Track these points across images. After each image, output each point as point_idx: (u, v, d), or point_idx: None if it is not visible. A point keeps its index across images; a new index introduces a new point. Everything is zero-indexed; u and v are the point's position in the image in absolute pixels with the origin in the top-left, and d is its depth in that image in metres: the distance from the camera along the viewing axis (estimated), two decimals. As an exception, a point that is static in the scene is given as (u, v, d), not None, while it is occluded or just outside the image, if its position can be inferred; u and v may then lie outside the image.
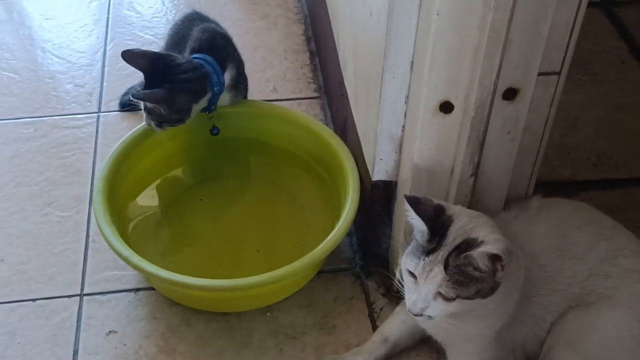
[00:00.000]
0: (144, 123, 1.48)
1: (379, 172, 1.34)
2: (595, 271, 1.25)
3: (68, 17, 2.11)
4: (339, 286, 1.47)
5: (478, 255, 1.07)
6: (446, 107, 1.16)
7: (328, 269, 1.49)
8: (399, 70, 1.19)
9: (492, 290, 1.11)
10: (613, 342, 1.21)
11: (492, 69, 1.10)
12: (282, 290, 1.41)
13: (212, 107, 1.50)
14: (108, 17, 2.10)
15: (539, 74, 1.15)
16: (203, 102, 1.48)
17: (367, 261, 1.49)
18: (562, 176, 1.72)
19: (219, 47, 1.51)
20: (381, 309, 1.43)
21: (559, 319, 1.25)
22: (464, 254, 1.09)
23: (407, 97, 1.23)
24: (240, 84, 1.56)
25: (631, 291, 1.24)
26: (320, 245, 1.34)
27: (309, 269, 1.37)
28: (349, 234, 1.54)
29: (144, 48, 1.95)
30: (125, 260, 1.31)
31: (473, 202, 1.29)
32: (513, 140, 1.23)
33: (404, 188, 1.31)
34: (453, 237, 1.11)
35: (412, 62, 1.18)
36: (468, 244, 1.10)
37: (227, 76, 1.51)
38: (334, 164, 1.52)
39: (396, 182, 1.35)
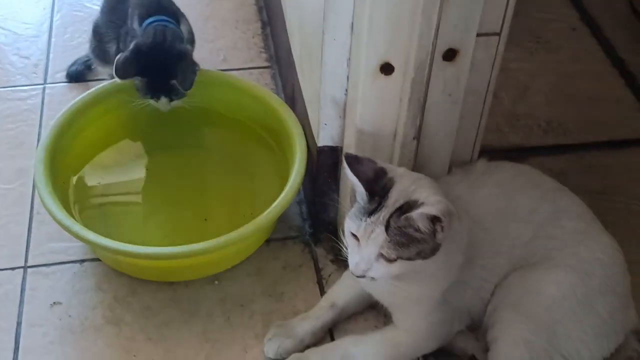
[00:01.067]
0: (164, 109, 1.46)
1: (324, 138, 1.34)
2: (539, 233, 1.26)
3: (14, -13, 2.06)
4: (288, 254, 1.46)
5: (417, 216, 1.07)
6: (387, 69, 1.16)
7: (277, 238, 1.48)
8: (339, 33, 1.18)
9: (433, 251, 1.12)
10: (556, 302, 1.22)
11: (430, 29, 1.10)
12: (230, 258, 1.40)
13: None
14: (55, -13, 2.05)
15: (479, 34, 1.15)
16: None
17: (316, 229, 1.49)
18: (511, 142, 1.73)
19: (165, 6, 1.50)
20: (329, 276, 1.43)
21: (503, 281, 1.26)
22: (405, 215, 1.09)
23: (349, 59, 1.22)
24: (193, 37, 1.56)
25: (574, 252, 1.25)
26: (267, 212, 1.33)
27: (255, 235, 1.36)
28: (298, 202, 1.54)
29: (90, 19, 1.92)
30: (67, 229, 1.29)
31: (417, 166, 1.29)
32: (455, 102, 1.23)
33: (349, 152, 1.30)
34: (395, 198, 1.11)
35: (352, 23, 1.17)
36: (409, 206, 1.10)
37: (184, 29, 1.50)
38: (282, 132, 1.51)
39: (341, 148, 1.35)
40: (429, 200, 1.10)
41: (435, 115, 1.23)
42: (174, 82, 1.40)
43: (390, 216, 1.10)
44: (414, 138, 1.24)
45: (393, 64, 1.15)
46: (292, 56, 1.54)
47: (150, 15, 1.46)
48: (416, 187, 1.13)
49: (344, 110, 1.29)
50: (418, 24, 1.09)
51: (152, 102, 1.44)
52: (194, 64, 1.45)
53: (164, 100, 1.43)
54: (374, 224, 1.10)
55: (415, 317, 1.26)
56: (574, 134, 1.75)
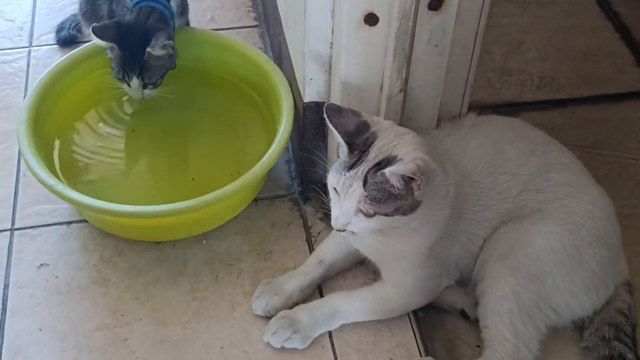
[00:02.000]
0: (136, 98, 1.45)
1: (310, 93, 1.32)
2: (528, 186, 1.25)
3: (-3, -50, 2.02)
4: (276, 212, 1.45)
5: (390, 174, 1.06)
6: (371, 19, 1.13)
7: (266, 197, 1.47)
8: (322, -18, 1.16)
9: (413, 208, 1.10)
10: (545, 254, 1.21)
11: (413, -24, 1.07)
12: (217, 217, 1.39)
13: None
14: (39, -52, 2.01)
15: (465, -18, 1.13)
16: None
17: (304, 187, 1.47)
18: (503, 98, 1.71)
19: None
20: (319, 234, 1.41)
21: (492, 234, 1.25)
22: (380, 171, 1.07)
23: (333, 12, 1.19)
24: (185, 9, 1.53)
25: (563, 204, 1.24)
26: (253, 169, 1.32)
27: (242, 192, 1.35)
28: (287, 161, 1.52)
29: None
30: (51, 189, 1.28)
31: (404, 119, 1.27)
32: (441, 53, 1.20)
33: (335, 108, 1.28)
34: (375, 153, 1.09)
35: (335, -27, 1.14)
36: (388, 161, 1.08)
37: (174, 5, 1.48)
38: (268, 90, 1.48)
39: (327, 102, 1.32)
40: (407, 157, 1.08)
41: (421, 67, 1.21)
42: (148, 50, 1.37)
43: (368, 171, 1.08)
44: (400, 90, 1.22)
45: (377, 14, 1.13)
46: (278, 12, 1.52)
47: None
48: (398, 142, 1.11)
49: (329, 64, 1.27)
50: (401, -29, 1.06)
51: (125, 87, 1.43)
52: (170, 42, 1.42)
53: (135, 82, 1.40)
54: (352, 179, 1.09)
55: (402, 273, 1.26)
56: (567, 89, 1.73)
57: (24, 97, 1.63)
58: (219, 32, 1.76)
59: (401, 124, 1.26)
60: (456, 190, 1.21)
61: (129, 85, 1.41)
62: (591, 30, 1.88)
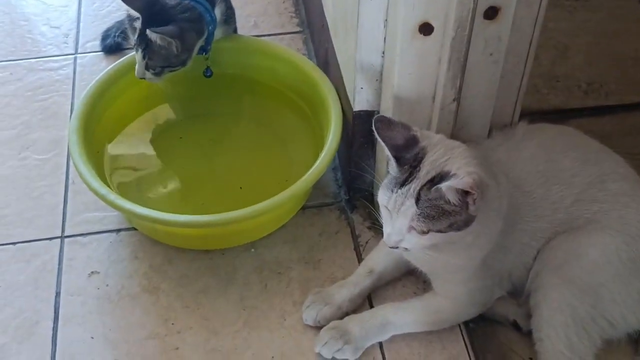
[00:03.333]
0: (137, 73, 1.43)
1: (360, 102, 1.31)
2: (582, 196, 1.23)
3: (42, -43, 2.04)
4: (324, 221, 1.44)
5: (446, 189, 1.04)
6: (426, 29, 1.12)
7: (313, 205, 1.46)
8: (376, -7, 1.15)
9: (467, 223, 1.08)
10: (600, 266, 1.19)
11: (471, -14, 1.06)
12: (266, 226, 1.39)
13: (208, 47, 1.48)
14: (83, -44, 2.03)
15: (522, -9, 1.11)
16: (201, 42, 1.45)
17: (352, 195, 1.47)
18: (552, 105, 1.69)
19: None
20: (367, 242, 1.41)
21: (546, 245, 1.24)
22: (434, 187, 1.05)
23: (386, 20, 1.18)
24: (230, 18, 1.52)
25: (619, 215, 1.22)
26: (303, 178, 1.31)
27: (291, 202, 1.34)
28: (333, 169, 1.51)
29: (120, -13, 1.90)
30: (102, 198, 1.28)
31: (456, 128, 1.26)
32: (496, 62, 1.19)
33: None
34: (427, 169, 1.08)
35: (390, -18, 1.13)
36: (441, 177, 1.06)
37: (218, 12, 1.47)
38: (316, 98, 1.48)
39: (378, 112, 1.32)
40: (461, 172, 1.06)
41: (475, 76, 1.19)
42: (147, 31, 1.36)
43: (421, 188, 1.07)
44: (453, 100, 1.20)
45: (432, 23, 1.11)
46: (325, 20, 1.51)
47: None
48: (450, 156, 1.09)
49: (381, 73, 1.26)
50: (458, -19, 1.05)
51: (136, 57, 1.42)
52: (172, 40, 1.39)
53: (139, 55, 1.40)
54: (404, 196, 1.07)
55: (454, 284, 1.24)
56: (617, 95, 1.70)
57: (71, 104, 1.66)
58: (263, 38, 1.77)
59: (453, 133, 1.25)
60: (509, 201, 1.19)
61: (136, 51, 1.42)
62: (638, 34, 1.85)
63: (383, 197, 1.11)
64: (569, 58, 1.79)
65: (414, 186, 1.07)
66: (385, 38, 1.21)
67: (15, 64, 1.75)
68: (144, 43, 1.39)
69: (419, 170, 1.08)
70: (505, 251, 1.23)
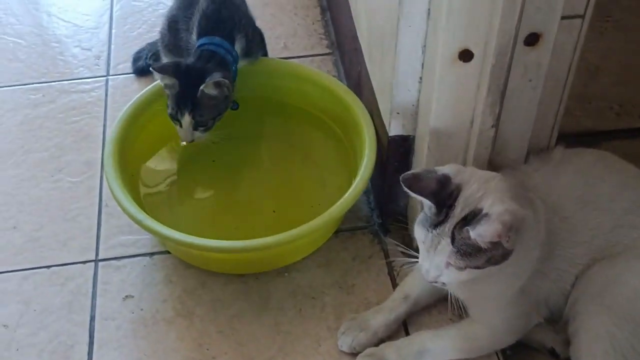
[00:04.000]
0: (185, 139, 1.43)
1: (396, 127, 1.31)
2: (621, 222, 1.22)
3: (72, -21, 2.06)
4: (357, 245, 1.44)
5: (474, 235, 1.04)
6: (465, 55, 1.12)
7: (346, 228, 1.46)
8: (415, 18, 1.15)
9: (504, 257, 1.08)
10: (640, 294, 1.18)
11: (513, 13, 1.05)
12: (300, 250, 1.38)
13: (233, 82, 1.48)
14: (113, -22, 2.05)
15: (562, 17, 1.10)
16: None
17: (385, 219, 1.46)
18: (583, 126, 1.67)
19: (224, 20, 1.47)
20: (401, 267, 1.40)
21: (584, 271, 1.22)
22: (465, 228, 1.05)
23: (424, 46, 1.18)
24: (251, 50, 1.52)
25: (659, 242, 1.20)
26: (338, 203, 1.31)
27: (326, 227, 1.34)
28: (365, 192, 1.51)
29: (150, 9, 1.93)
30: (139, 223, 1.28)
31: (493, 154, 1.25)
32: (535, 88, 1.18)
33: (422, 142, 1.27)
34: (461, 207, 1.08)
35: (429, 9, 1.13)
36: (474, 215, 1.06)
37: (238, 48, 1.47)
38: (348, 120, 1.48)
39: (414, 137, 1.31)
40: (493, 212, 1.05)
41: (514, 102, 1.19)
42: (202, 88, 1.36)
43: (455, 227, 1.07)
44: (492, 126, 1.20)
45: (472, 50, 1.11)
46: (358, 42, 1.51)
47: (207, 30, 1.44)
48: (484, 192, 1.09)
49: (418, 99, 1.26)
50: (500, 8, 1.05)
51: (177, 127, 1.41)
52: (225, 81, 1.39)
53: (187, 119, 1.38)
54: (439, 236, 1.08)
55: (491, 311, 1.23)
56: (649, 117, 1.69)
57: (103, 126, 1.66)
58: (293, 60, 1.77)
59: (490, 158, 1.25)
60: (546, 227, 1.18)
61: (181, 125, 1.40)
62: (671, 55, 1.84)
63: (419, 234, 1.12)
64: (600, 79, 1.78)
65: (449, 225, 1.08)
66: (423, 64, 1.20)
67: (47, 86, 1.76)
68: (190, 105, 1.38)
69: (453, 209, 1.08)
70: (543, 277, 1.22)
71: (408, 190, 1.10)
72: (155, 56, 1.74)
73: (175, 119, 1.40)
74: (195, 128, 1.41)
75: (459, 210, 1.07)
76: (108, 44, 1.87)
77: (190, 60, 1.42)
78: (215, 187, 1.52)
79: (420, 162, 1.29)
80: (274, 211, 1.46)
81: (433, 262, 1.10)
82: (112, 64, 1.81)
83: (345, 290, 1.37)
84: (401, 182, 1.10)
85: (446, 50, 1.11)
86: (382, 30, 1.28)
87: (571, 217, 1.22)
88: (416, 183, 1.10)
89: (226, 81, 1.38)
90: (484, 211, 1.06)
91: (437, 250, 1.09)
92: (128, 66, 1.79)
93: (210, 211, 1.48)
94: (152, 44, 1.76)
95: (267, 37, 1.80)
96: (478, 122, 1.19)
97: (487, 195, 1.08)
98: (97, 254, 1.43)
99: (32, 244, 1.45)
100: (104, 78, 1.78)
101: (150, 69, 1.42)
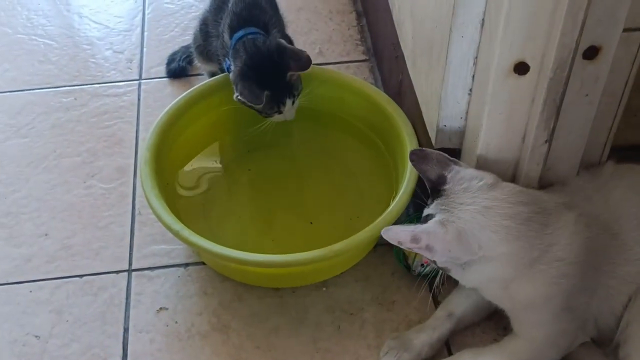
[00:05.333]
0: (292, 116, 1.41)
1: (442, 140, 1.26)
2: (678, 241, 1.17)
3: (104, -20, 2.03)
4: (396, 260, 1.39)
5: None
6: (521, 68, 1.07)
7: (384, 242, 1.41)
8: (468, 29, 1.11)
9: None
10: (699, 319, 1.13)
11: (575, 25, 1.01)
12: (339, 265, 1.34)
13: None
14: (145, -20, 2.02)
15: (623, 30, 1.06)
16: None
17: (426, 233, 1.41)
18: (629, 141, 1.60)
19: (256, 15, 1.43)
20: (442, 284, 1.35)
21: (637, 293, 1.17)
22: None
23: (476, 58, 1.14)
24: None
25: None
26: (380, 218, 1.27)
27: (368, 242, 1.30)
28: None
29: (182, 11, 1.90)
30: (176, 234, 1.25)
31: (545, 169, 1.21)
32: (591, 102, 1.14)
33: (469, 155, 1.23)
34: (433, 207, 1.13)
35: (483, 19, 1.09)
36: (426, 219, 1.12)
37: None
38: (389, 131, 1.44)
39: (459, 150, 1.27)
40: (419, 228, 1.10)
41: (569, 117, 1.14)
42: (290, 74, 1.33)
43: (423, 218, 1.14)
44: (545, 141, 1.15)
45: (529, 63, 1.07)
46: (399, 50, 1.47)
47: (240, 27, 1.40)
48: (447, 209, 1.11)
49: (466, 111, 1.21)
50: (562, 20, 1.00)
51: (277, 117, 1.38)
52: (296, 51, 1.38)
53: (289, 103, 1.36)
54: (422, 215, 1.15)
55: (533, 325, 1.19)
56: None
57: (136, 131, 1.63)
58: (328, 66, 1.73)
59: (541, 175, 1.20)
60: (591, 242, 1.14)
61: (282, 112, 1.37)
62: None
63: None
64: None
65: (425, 212, 1.15)
66: (473, 76, 1.16)
67: (79, 89, 1.73)
68: (286, 92, 1.35)
69: (432, 204, 1.14)
70: (590, 294, 1.17)
71: (412, 164, 1.18)
72: (190, 58, 1.71)
73: (276, 112, 1.37)
74: (293, 102, 1.38)
75: (430, 208, 1.13)
76: (140, 47, 1.83)
77: (244, 57, 1.36)
78: (251, 196, 1.48)
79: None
80: (311, 222, 1.42)
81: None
82: (144, 67, 1.78)
83: (385, 306, 1.33)
84: (409, 155, 1.18)
85: (501, 63, 1.07)
86: (430, 39, 1.23)
87: (623, 234, 1.18)
88: (421, 162, 1.16)
89: (299, 50, 1.36)
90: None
91: None
92: (161, 69, 1.76)
93: (245, 221, 1.44)
94: (187, 47, 1.72)
95: (301, 43, 1.77)
96: (531, 137, 1.15)
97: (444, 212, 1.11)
98: (130, 264, 1.40)
99: (65, 252, 1.42)
100: (137, 82, 1.75)
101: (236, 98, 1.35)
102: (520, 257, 1.11)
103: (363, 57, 1.80)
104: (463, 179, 1.13)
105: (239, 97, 1.35)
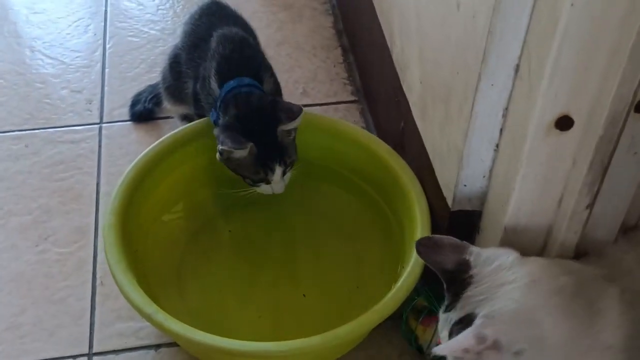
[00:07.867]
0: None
1: (460, 201, 1.09)
2: None
3: (59, 11, 1.82)
4: (403, 338, 1.20)
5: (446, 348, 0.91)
6: (564, 123, 0.91)
7: (390, 317, 1.23)
8: (499, 78, 0.94)
9: None
10: None
11: (634, 76, 0.85)
12: (341, 348, 1.15)
13: None
14: (106, 10, 1.81)
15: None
16: None
17: (437, 305, 1.23)
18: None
19: (248, 59, 1.27)
20: (458, 365, 1.17)
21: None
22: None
23: (506, 109, 0.97)
24: (278, 91, 1.31)
25: None
26: (391, 294, 1.08)
27: (376, 324, 1.11)
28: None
29: (148, 45, 1.72)
30: (149, 319, 1.04)
31: (581, 236, 1.04)
32: (639, 162, 0.97)
33: (493, 219, 1.06)
34: (463, 303, 0.93)
35: (518, 65, 0.92)
36: (469, 320, 0.91)
37: (267, 89, 1.25)
38: (392, 187, 1.26)
39: (480, 212, 1.10)
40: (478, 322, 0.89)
41: (615, 178, 0.97)
42: (281, 128, 1.16)
43: (455, 324, 0.93)
44: (587, 207, 0.98)
45: (573, 117, 0.90)
46: (401, 93, 1.30)
47: (230, 74, 1.23)
48: (488, 296, 0.92)
49: (491, 170, 1.04)
50: (621, 69, 0.84)
51: (264, 187, 1.21)
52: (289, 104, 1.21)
53: (278, 172, 1.18)
54: (444, 322, 0.96)
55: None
56: None
57: (97, 184, 1.43)
58: (314, 108, 1.56)
59: (578, 240, 1.04)
60: (635, 327, 0.97)
61: (269, 182, 1.20)
62: None
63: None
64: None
65: (452, 317, 0.94)
66: (501, 129, 0.99)
67: (31, 134, 1.52)
68: (276, 154, 1.18)
69: (459, 301, 0.94)
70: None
71: (420, 257, 0.97)
72: (157, 99, 1.52)
73: (262, 180, 1.19)
74: (284, 174, 1.20)
75: (461, 305, 0.93)
76: (101, 86, 1.63)
77: (233, 112, 1.19)
78: (232, 263, 1.28)
79: (489, 241, 1.08)
80: (304, 295, 1.23)
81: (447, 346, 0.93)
82: (106, 110, 1.57)
83: (393, 393, 1.14)
84: (415, 246, 0.97)
85: (542, 116, 0.90)
86: (448, 87, 1.06)
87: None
88: (431, 254, 0.97)
89: (293, 104, 1.19)
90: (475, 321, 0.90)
91: (442, 336, 0.96)
92: (125, 112, 1.56)
93: (226, 293, 1.24)
94: (154, 86, 1.53)
95: (283, 81, 1.56)
96: (571, 202, 0.98)
97: (488, 301, 0.92)
98: (90, 347, 1.19)
99: (12, 333, 1.21)
100: (97, 126, 1.54)
101: (220, 153, 1.17)
102: (576, 341, 0.94)
103: (352, 97, 1.62)
104: (489, 258, 0.96)
105: (221, 149, 1.16)
